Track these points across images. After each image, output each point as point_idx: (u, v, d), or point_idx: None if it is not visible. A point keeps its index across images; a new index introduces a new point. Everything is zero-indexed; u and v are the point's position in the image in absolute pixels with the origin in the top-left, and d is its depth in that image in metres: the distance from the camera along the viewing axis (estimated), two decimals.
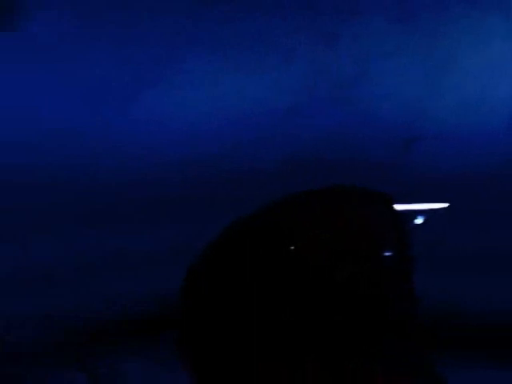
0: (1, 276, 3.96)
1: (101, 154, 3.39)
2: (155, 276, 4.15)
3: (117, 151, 3.41)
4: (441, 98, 3.32)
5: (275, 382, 0.83)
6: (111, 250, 4.09)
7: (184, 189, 3.56)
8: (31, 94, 3.14)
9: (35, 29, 2.81)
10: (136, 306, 4.38)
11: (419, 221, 4.27)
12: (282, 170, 3.46)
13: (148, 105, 3.23)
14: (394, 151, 3.59)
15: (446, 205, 4.09)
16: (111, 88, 3.11)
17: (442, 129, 3.49)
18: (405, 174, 3.66)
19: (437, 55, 3.09)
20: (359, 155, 3.57)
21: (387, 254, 0.89)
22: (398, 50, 3.02)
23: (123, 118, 3.26)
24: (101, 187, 3.53)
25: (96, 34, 2.83)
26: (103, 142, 3.35)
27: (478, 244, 4.29)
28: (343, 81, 3.16)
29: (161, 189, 3.53)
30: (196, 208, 3.47)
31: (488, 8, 2.81)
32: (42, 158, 3.40)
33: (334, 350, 0.82)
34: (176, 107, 3.27)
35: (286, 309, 0.84)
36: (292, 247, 0.87)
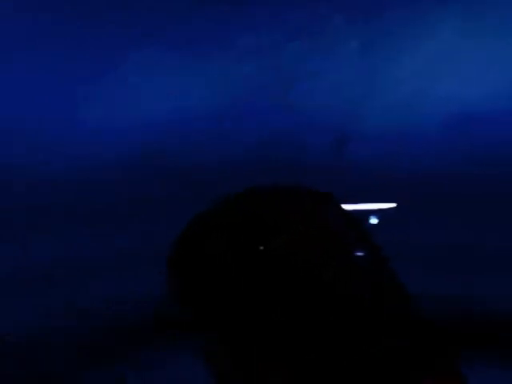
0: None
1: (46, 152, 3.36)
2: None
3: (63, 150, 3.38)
4: (378, 98, 3.31)
5: (273, 382, 0.82)
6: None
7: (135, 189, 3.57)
8: None
9: None
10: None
11: (373, 221, 4.29)
12: (221, 171, 3.47)
13: (95, 104, 3.20)
14: (329, 152, 3.60)
15: (394, 205, 4.15)
16: (56, 88, 3.08)
17: (379, 129, 3.49)
18: (342, 175, 3.69)
19: (376, 55, 3.07)
20: (296, 156, 3.58)
21: (359, 254, 0.88)
22: (340, 50, 3.00)
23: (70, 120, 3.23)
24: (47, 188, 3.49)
25: (31, 32, 2.77)
26: (52, 140, 3.32)
27: (425, 243, 4.35)
28: (283, 82, 3.14)
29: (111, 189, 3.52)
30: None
31: (428, 8, 2.80)
32: None
33: (330, 350, 0.82)
34: (117, 107, 3.25)
35: (276, 308, 0.83)
36: (277, 242, 0.86)
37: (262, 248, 0.85)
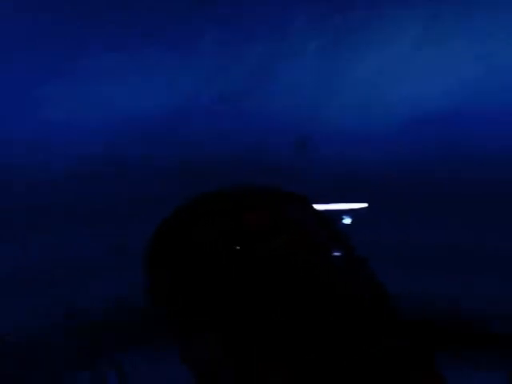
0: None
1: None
2: None
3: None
4: (339, 100, 3.31)
5: (273, 382, 0.82)
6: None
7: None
8: None
9: None
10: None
11: (347, 221, 4.29)
12: (183, 173, 3.47)
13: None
14: (293, 153, 3.61)
15: (365, 205, 4.17)
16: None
17: (336, 129, 3.50)
18: (308, 175, 3.70)
19: (337, 57, 3.06)
20: (255, 157, 3.59)
21: (336, 254, 0.87)
22: (302, 52, 2.99)
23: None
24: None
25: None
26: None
27: (397, 242, 4.37)
28: (242, 83, 3.13)
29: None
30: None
31: (391, 10, 2.80)
32: None
33: (330, 350, 0.81)
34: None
35: (276, 308, 0.83)
36: (277, 242, 0.85)
37: (265, 247, 0.85)
